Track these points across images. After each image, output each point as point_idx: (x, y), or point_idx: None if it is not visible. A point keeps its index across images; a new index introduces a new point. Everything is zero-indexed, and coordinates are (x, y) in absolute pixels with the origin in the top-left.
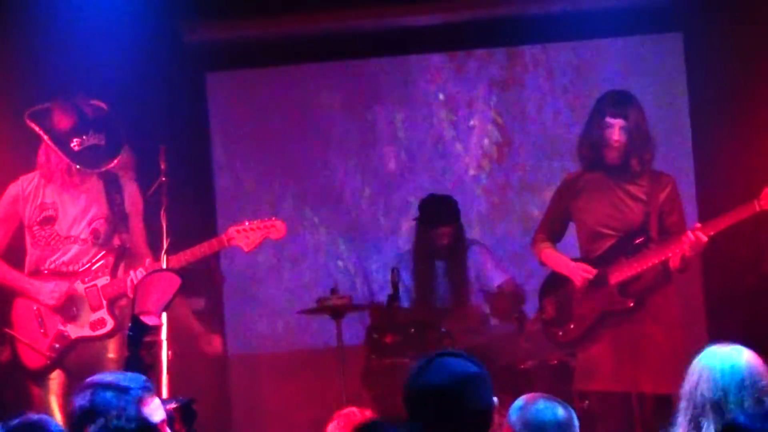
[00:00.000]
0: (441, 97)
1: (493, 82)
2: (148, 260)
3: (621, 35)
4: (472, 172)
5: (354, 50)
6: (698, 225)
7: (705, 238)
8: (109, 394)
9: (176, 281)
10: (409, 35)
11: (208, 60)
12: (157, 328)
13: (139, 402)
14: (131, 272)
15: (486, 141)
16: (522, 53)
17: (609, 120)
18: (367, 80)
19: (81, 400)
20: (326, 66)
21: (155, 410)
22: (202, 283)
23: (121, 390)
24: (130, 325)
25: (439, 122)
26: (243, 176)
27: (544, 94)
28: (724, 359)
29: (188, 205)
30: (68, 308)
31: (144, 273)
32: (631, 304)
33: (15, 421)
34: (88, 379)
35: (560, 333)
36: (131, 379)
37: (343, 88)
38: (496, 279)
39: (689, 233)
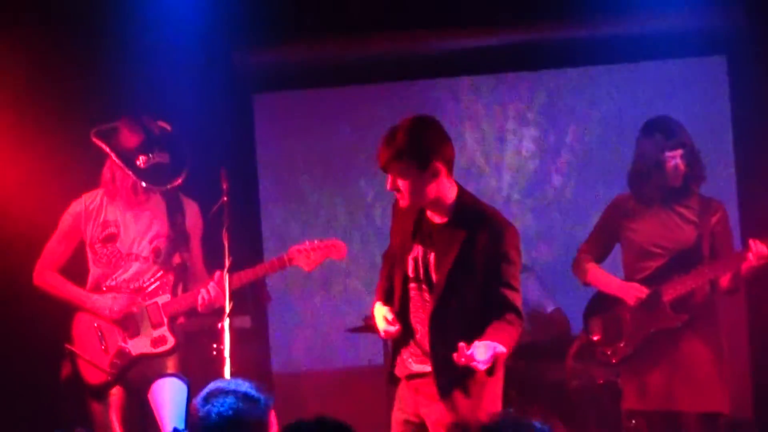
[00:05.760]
0: (483, 118)
1: (534, 104)
2: (217, 274)
3: (664, 58)
4: (509, 193)
5: (398, 72)
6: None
7: (767, 251)
8: (247, 405)
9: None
10: (450, 58)
11: (256, 82)
12: None
13: (268, 411)
14: (202, 290)
15: (526, 162)
16: (563, 76)
17: (669, 154)
18: (411, 102)
19: (221, 407)
20: (370, 88)
21: (274, 419)
22: (248, 301)
23: (255, 400)
24: None
25: (478, 142)
26: (288, 195)
27: (584, 117)
28: None
29: (235, 225)
30: (129, 324)
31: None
32: (686, 318)
33: None
34: (217, 386)
35: (609, 352)
36: (258, 389)
37: (387, 110)
38: (548, 307)
39: (752, 243)
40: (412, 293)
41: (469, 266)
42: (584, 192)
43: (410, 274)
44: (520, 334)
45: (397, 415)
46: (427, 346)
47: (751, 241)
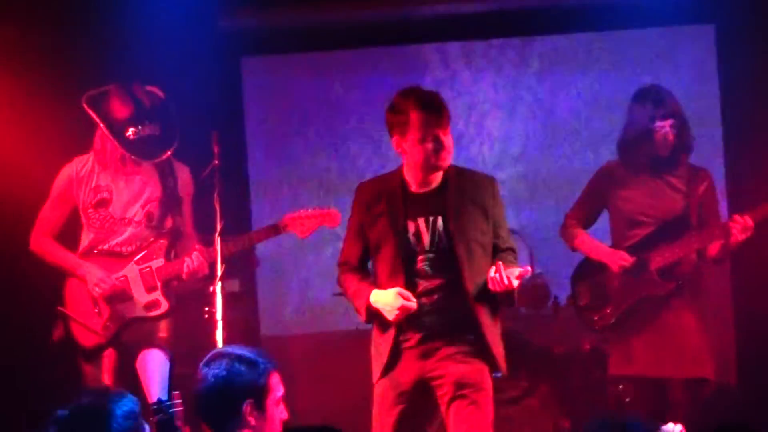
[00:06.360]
0: (472, 84)
1: (523, 71)
2: (198, 246)
3: (652, 26)
4: (498, 159)
5: (388, 37)
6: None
7: (752, 222)
8: (243, 367)
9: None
10: (440, 23)
11: (243, 45)
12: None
13: (267, 375)
14: (186, 259)
15: (514, 129)
16: (553, 43)
17: (659, 123)
18: (400, 67)
19: (216, 369)
20: (359, 52)
21: (278, 384)
22: (237, 265)
23: (252, 363)
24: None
25: (467, 108)
26: (278, 158)
27: (573, 84)
28: None
29: (224, 188)
30: (123, 287)
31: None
32: (673, 286)
33: (76, 405)
34: (218, 350)
35: (596, 317)
36: (258, 354)
37: (376, 75)
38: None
39: (736, 217)
40: (420, 265)
41: (479, 220)
42: (573, 158)
43: (415, 248)
44: None
45: (390, 393)
46: (443, 310)
47: (736, 216)
